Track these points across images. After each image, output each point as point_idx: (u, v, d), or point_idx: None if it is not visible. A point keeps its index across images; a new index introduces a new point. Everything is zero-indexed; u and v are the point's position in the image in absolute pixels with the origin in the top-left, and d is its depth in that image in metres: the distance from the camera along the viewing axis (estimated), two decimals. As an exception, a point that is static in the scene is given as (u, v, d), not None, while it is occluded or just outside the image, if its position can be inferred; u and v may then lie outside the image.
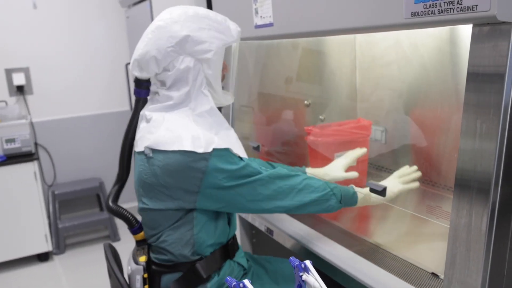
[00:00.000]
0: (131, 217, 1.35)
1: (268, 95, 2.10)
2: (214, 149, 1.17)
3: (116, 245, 1.46)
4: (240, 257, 1.40)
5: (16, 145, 3.02)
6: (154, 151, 1.19)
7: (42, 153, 3.53)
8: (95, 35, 3.63)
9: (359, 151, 1.58)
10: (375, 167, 1.85)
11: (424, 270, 1.20)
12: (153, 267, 1.32)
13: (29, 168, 3.01)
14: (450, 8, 0.89)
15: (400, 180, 1.39)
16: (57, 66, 3.53)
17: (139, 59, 1.24)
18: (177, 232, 1.25)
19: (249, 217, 1.80)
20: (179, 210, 1.23)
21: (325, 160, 1.70)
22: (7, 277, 3.00)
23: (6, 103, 3.33)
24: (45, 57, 3.47)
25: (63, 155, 3.62)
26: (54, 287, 2.87)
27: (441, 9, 0.90)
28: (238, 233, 1.94)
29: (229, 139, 1.28)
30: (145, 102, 1.33)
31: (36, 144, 3.48)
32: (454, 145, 1.43)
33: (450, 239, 0.96)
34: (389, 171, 1.78)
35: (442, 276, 1.14)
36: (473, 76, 0.90)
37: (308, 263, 0.90)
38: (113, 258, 1.38)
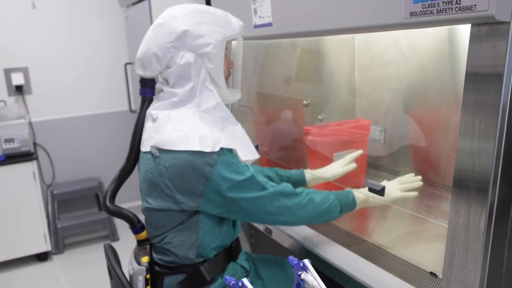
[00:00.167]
0: (132, 217, 1.34)
1: (267, 95, 2.10)
2: (221, 155, 1.16)
3: (115, 245, 1.45)
4: (242, 259, 1.40)
5: (15, 145, 3.02)
6: (160, 150, 1.19)
7: (41, 153, 3.53)
8: (94, 35, 3.63)
9: (356, 152, 1.58)
10: (374, 167, 1.85)
11: (423, 270, 1.20)
12: (156, 268, 1.31)
13: (28, 168, 3.01)
14: (449, 8, 0.89)
15: (401, 187, 1.38)
16: (56, 66, 3.52)
17: (141, 58, 1.25)
18: (182, 235, 1.24)
19: (248, 217, 1.80)
20: (183, 212, 1.22)
21: (324, 160, 1.70)
22: (6, 277, 3.00)
23: (5, 103, 3.32)
24: (44, 57, 3.47)
25: (62, 155, 3.62)
26: (53, 287, 2.87)
27: (440, 9, 0.90)
28: (237, 233, 1.94)
29: (236, 135, 1.27)
30: (150, 101, 1.33)
31: (35, 144, 3.47)
32: (453, 145, 1.44)
33: (448, 239, 0.96)
34: (388, 171, 1.78)
35: (440, 276, 1.14)
36: (471, 76, 0.90)
37: (306, 262, 0.90)
38: (114, 258, 1.37)
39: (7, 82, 3.36)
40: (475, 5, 0.84)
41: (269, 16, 1.52)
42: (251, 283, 1.35)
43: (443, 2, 0.89)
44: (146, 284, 1.30)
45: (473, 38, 0.89)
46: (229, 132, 1.26)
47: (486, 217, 0.88)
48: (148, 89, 1.31)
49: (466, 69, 0.91)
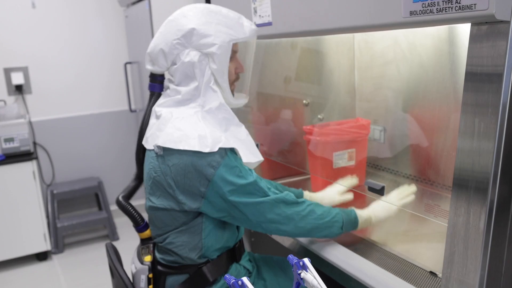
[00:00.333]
0: (136, 215, 1.34)
1: (266, 94, 2.10)
2: (224, 158, 1.16)
3: (114, 244, 1.46)
4: (245, 261, 1.40)
5: (15, 144, 3.02)
6: (164, 149, 1.19)
7: (40, 153, 3.53)
8: (94, 35, 3.63)
9: (352, 181, 1.61)
10: (374, 166, 1.85)
11: (422, 269, 1.20)
12: (159, 267, 1.31)
13: (27, 168, 3.01)
14: (449, 7, 0.89)
15: (400, 197, 1.41)
16: (56, 65, 3.52)
17: (150, 53, 1.27)
18: (185, 235, 1.24)
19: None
20: (185, 213, 1.22)
21: (324, 160, 1.70)
22: (6, 276, 3.00)
23: (5, 103, 3.32)
24: (43, 57, 3.46)
25: (61, 154, 3.61)
26: (53, 286, 2.87)
27: (440, 8, 0.90)
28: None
29: (239, 137, 1.27)
30: (158, 96, 1.33)
31: (34, 143, 3.47)
32: (453, 144, 1.44)
33: (448, 238, 0.96)
34: (388, 170, 1.78)
35: (440, 275, 1.14)
36: (471, 76, 0.90)
37: (306, 261, 0.90)
38: (116, 257, 1.37)
39: (7, 81, 3.36)
40: (475, 4, 0.84)
41: (268, 16, 1.52)
42: (253, 283, 1.35)
43: (443, 1, 0.89)
44: (149, 283, 1.30)
45: (473, 38, 0.89)
46: (232, 133, 1.26)
47: (486, 216, 0.89)
48: (157, 84, 1.32)
49: (466, 68, 0.91)
